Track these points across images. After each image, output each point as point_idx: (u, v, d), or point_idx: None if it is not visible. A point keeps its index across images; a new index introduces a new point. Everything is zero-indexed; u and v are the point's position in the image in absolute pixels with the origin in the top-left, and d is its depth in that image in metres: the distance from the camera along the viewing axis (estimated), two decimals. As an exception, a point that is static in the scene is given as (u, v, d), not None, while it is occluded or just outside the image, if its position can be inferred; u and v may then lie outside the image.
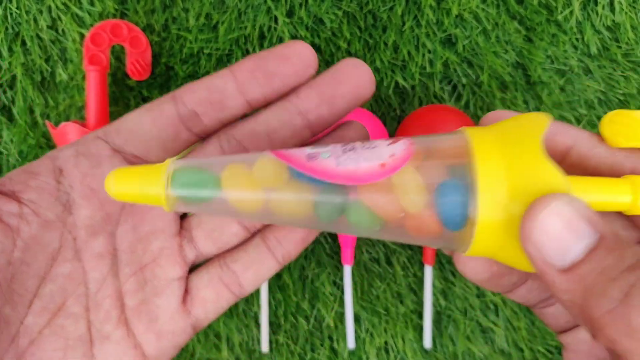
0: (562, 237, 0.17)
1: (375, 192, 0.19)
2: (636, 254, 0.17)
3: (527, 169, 0.18)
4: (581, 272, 0.17)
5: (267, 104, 0.25)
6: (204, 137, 0.25)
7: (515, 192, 0.18)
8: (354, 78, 0.23)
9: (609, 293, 0.16)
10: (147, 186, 0.20)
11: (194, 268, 0.26)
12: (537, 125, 0.19)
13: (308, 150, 0.21)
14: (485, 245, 0.19)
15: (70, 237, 0.24)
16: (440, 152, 0.20)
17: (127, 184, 0.20)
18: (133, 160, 0.24)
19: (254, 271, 0.25)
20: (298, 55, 0.23)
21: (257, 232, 0.26)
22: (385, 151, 0.20)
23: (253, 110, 0.25)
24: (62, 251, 0.23)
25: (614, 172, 0.21)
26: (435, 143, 0.21)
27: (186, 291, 0.25)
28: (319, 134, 0.25)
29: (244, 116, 0.25)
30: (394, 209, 0.19)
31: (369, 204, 0.20)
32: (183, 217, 0.26)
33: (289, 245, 0.26)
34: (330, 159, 0.20)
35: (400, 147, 0.20)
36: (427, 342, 0.44)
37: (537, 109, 0.43)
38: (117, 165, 0.24)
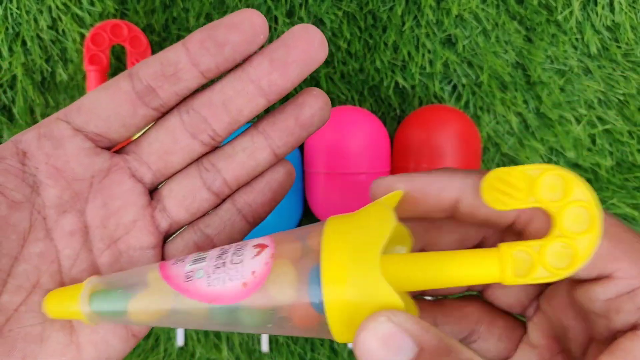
0: (380, 355, 0.18)
1: (252, 303, 0.21)
2: (457, 355, 0.17)
3: (362, 283, 0.19)
4: None
5: (222, 74, 0.25)
6: (164, 112, 0.25)
7: (352, 304, 0.19)
8: (304, 43, 0.23)
9: None
10: (69, 306, 0.23)
11: (169, 237, 0.26)
12: (383, 227, 0.20)
13: (187, 267, 0.23)
14: (343, 334, 0.20)
15: (40, 217, 0.24)
16: (306, 249, 0.21)
17: (56, 305, 0.23)
18: (95, 138, 0.25)
19: (227, 234, 0.26)
20: (248, 23, 0.23)
21: (227, 198, 0.26)
22: (248, 268, 0.22)
23: (210, 81, 0.25)
24: (33, 231, 0.24)
25: (502, 224, 0.22)
26: (299, 238, 0.22)
27: (162, 259, 0.26)
28: (274, 101, 0.25)
29: (203, 87, 0.25)
30: (276, 308, 0.21)
31: (254, 309, 0.22)
32: (154, 190, 0.26)
33: (258, 207, 0.26)
34: (203, 279, 0.22)
35: (261, 260, 0.22)
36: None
37: (537, 109, 0.43)
38: (79, 143, 0.24)
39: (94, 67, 0.41)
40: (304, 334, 0.22)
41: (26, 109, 0.44)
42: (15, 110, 0.44)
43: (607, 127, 0.44)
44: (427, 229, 0.24)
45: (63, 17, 0.43)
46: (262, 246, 0.22)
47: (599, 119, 0.44)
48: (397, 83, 0.43)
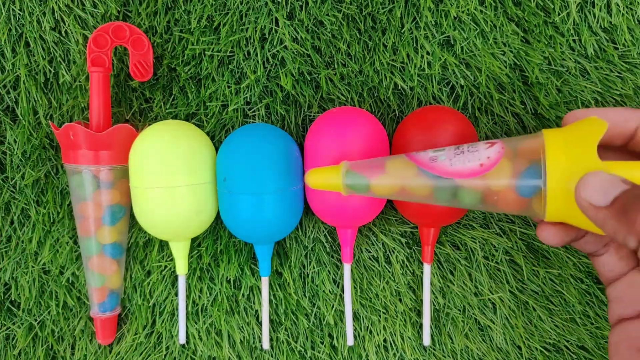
0: (603, 187, 0.26)
1: (478, 182, 0.30)
2: None
3: (582, 162, 0.27)
4: (619, 201, 0.25)
5: None
6: None
7: (573, 175, 0.27)
8: None
9: (639, 204, 0.24)
10: (332, 180, 0.35)
11: None
12: (596, 131, 0.27)
13: (430, 154, 0.33)
14: (556, 210, 0.29)
15: None
16: (524, 150, 0.30)
17: (319, 179, 0.35)
18: None
19: None
20: None
21: None
22: (484, 154, 0.30)
23: None
24: None
25: None
26: (521, 144, 0.30)
27: None
28: None
29: None
30: (489, 192, 0.30)
31: (473, 190, 0.31)
32: None
33: None
34: (445, 160, 0.31)
35: (495, 150, 0.30)
36: (426, 340, 0.44)
37: (535, 110, 0.44)
38: None
39: (97, 69, 0.41)
40: (512, 211, 0.31)
41: (29, 110, 0.44)
42: (18, 111, 0.44)
43: (603, 127, 0.44)
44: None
45: (66, 18, 0.43)
46: (493, 143, 0.31)
47: (596, 119, 0.45)
48: (396, 84, 0.44)
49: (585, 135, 0.28)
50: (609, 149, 0.32)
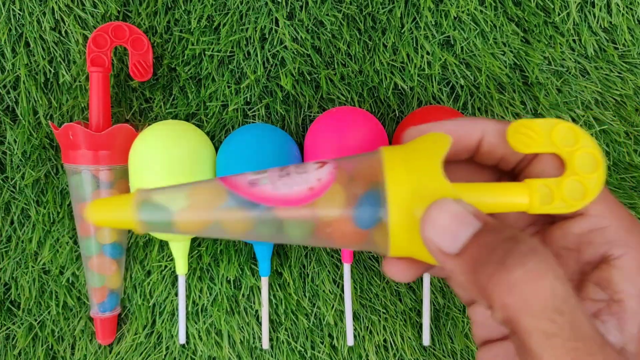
0: (451, 228, 0.21)
1: (306, 211, 0.24)
2: (513, 231, 0.20)
3: (427, 185, 0.23)
4: (469, 252, 0.21)
5: None
6: None
7: (417, 201, 0.23)
8: None
9: (490, 260, 0.20)
10: (120, 215, 0.25)
11: None
12: (439, 147, 0.24)
13: (250, 176, 0.25)
14: (400, 245, 0.24)
15: None
16: (360, 172, 0.25)
17: (104, 214, 0.25)
18: None
19: None
20: None
21: None
22: (313, 176, 0.25)
23: None
24: None
25: (511, 163, 0.26)
26: (357, 163, 0.25)
27: None
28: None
29: None
30: (321, 223, 0.24)
31: (303, 220, 0.24)
32: None
33: None
34: (268, 185, 0.25)
35: (326, 171, 0.25)
36: (426, 340, 0.44)
37: (535, 110, 0.44)
38: None
39: (96, 69, 0.41)
40: (351, 245, 0.25)
41: (29, 110, 0.44)
42: (18, 111, 0.44)
43: (604, 127, 0.44)
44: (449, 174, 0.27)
45: (66, 18, 0.43)
46: (323, 163, 0.25)
47: (596, 119, 0.45)
48: (396, 84, 0.44)
49: (429, 152, 0.24)
50: (457, 163, 0.28)
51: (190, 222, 0.25)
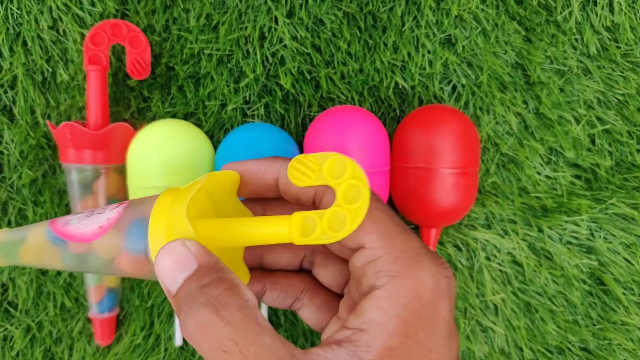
0: (171, 270, 0.23)
1: (90, 246, 0.28)
2: (211, 276, 0.23)
3: (175, 222, 0.24)
4: (179, 294, 0.23)
5: None
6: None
7: (169, 236, 0.24)
8: None
9: (182, 308, 0.22)
10: None
11: None
12: (195, 185, 0.25)
13: (69, 217, 0.29)
14: None
15: None
16: (142, 207, 0.27)
17: None
18: None
19: None
20: None
21: None
22: (106, 215, 0.28)
23: None
24: None
25: (307, 199, 0.27)
26: (144, 201, 0.27)
27: None
28: None
29: None
30: (107, 256, 0.27)
31: (95, 255, 0.28)
32: None
33: None
34: (74, 223, 0.29)
35: (117, 210, 0.28)
36: (427, 342, 0.44)
37: (536, 109, 0.43)
38: None
39: (94, 67, 0.41)
40: (142, 275, 0.28)
41: (27, 109, 0.44)
42: (16, 111, 0.44)
43: (606, 127, 0.44)
44: (264, 210, 0.29)
45: (64, 17, 0.43)
46: (122, 203, 0.29)
47: (599, 119, 0.44)
48: (396, 83, 0.43)
49: (188, 191, 0.25)
50: (279, 201, 0.29)
51: (30, 258, 0.30)
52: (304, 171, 0.25)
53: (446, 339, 0.24)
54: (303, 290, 0.30)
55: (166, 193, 0.26)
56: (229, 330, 0.21)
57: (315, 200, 0.27)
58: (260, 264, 0.31)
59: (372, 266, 0.24)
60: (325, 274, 0.30)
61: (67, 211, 0.45)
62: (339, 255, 0.28)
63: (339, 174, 0.25)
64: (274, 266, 0.31)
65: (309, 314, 0.30)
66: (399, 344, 0.22)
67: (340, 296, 0.30)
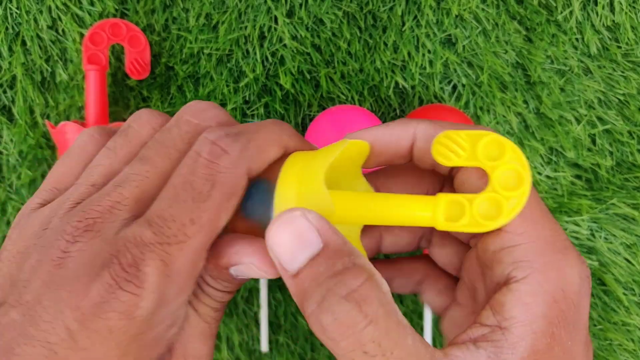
0: (291, 246, 0.20)
1: None
2: (345, 262, 0.19)
3: (309, 189, 0.22)
4: (302, 277, 0.20)
5: None
6: None
7: (301, 204, 0.21)
8: None
9: (313, 296, 0.19)
10: None
11: None
12: (331, 153, 0.22)
13: None
14: None
15: None
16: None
17: None
18: None
19: None
20: None
21: None
22: None
23: None
24: None
25: (444, 170, 0.24)
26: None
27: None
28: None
29: None
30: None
31: None
32: None
33: None
34: None
35: None
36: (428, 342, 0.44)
37: (537, 109, 0.43)
38: None
39: (93, 67, 0.41)
40: None
41: (26, 109, 0.44)
42: (15, 110, 0.44)
43: (607, 127, 0.44)
44: (386, 180, 0.26)
45: (63, 17, 0.43)
46: None
47: (599, 119, 0.44)
48: (397, 83, 0.43)
49: (324, 154, 0.23)
50: (406, 168, 0.26)
51: None
52: (453, 149, 0.22)
53: (585, 345, 0.21)
54: (424, 275, 0.28)
55: (295, 155, 0.24)
56: (372, 329, 0.18)
57: (450, 174, 0.24)
58: (379, 246, 0.28)
59: (509, 253, 0.21)
60: (442, 254, 0.27)
61: (66, 211, 0.44)
62: (457, 236, 0.25)
63: (496, 156, 0.22)
64: (394, 248, 0.28)
65: (429, 298, 0.28)
66: (545, 347, 0.20)
67: (456, 279, 0.27)
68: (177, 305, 0.21)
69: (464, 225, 0.22)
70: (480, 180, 0.23)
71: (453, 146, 0.22)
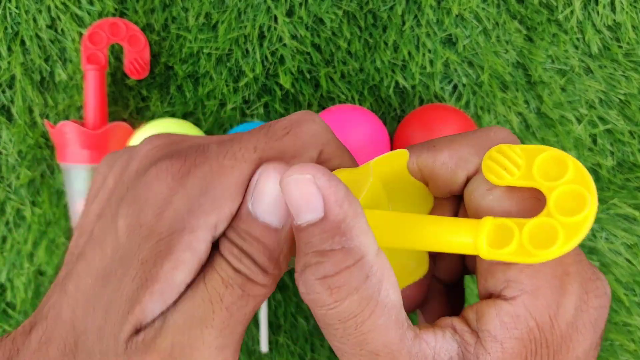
0: (298, 204, 0.19)
1: None
2: (336, 243, 0.19)
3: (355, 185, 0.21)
4: (301, 234, 0.19)
5: None
6: None
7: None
8: None
9: (299, 261, 0.19)
10: None
11: None
12: (366, 177, 0.21)
13: None
14: None
15: None
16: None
17: None
18: None
19: None
20: None
21: None
22: None
23: None
24: None
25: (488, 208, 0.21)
26: None
27: None
28: None
29: None
30: None
31: None
32: None
33: None
34: None
35: None
36: (427, 343, 0.44)
37: (538, 109, 0.43)
38: None
39: (92, 66, 0.40)
40: None
41: (25, 109, 0.44)
42: (14, 110, 0.44)
43: (608, 127, 0.44)
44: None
45: (62, 16, 0.43)
46: None
47: (600, 118, 0.44)
48: (397, 83, 0.43)
49: (363, 178, 0.21)
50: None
51: None
52: (505, 165, 0.20)
53: None
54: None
55: (338, 173, 0.22)
56: (339, 312, 0.19)
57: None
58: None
59: (503, 271, 0.20)
60: (442, 268, 0.27)
61: (66, 211, 0.44)
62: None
63: (556, 175, 0.19)
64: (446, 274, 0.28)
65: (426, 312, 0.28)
66: None
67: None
68: None
69: (510, 254, 0.19)
70: (489, 192, 0.21)
71: (506, 163, 0.20)
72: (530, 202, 0.20)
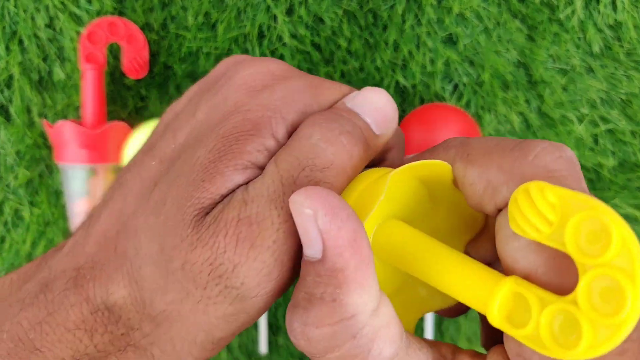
0: (301, 232, 0.17)
1: None
2: (327, 292, 0.16)
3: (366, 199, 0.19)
4: (302, 265, 0.17)
5: None
6: None
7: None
8: None
9: (294, 292, 0.17)
10: None
11: None
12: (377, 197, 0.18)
13: None
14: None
15: None
16: None
17: None
18: None
19: None
20: None
21: None
22: None
23: None
24: None
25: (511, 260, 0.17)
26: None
27: None
28: None
29: None
30: None
31: None
32: None
33: None
34: None
35: None
36: (428, 344, 0.43)
37: (539, 109, 0.43)
38: None
39: (91, 66, 0.40)
40: None
41: (23, 109, 0.44)
42: (12, 110, 0.44)
43: (609, 126, 0.44)
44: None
45: (60, 15, 0.43)
46: None
47: (602, 118, 0.44)
48: (397, 82, 0.43)
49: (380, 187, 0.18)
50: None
51: None
52: (531, 220, 0.15)
53: None
54: None
55: (366, 175, 0.19)
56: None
57: None
58: None
59: (519, 355, 0.17)
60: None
61: (64, 211, 0.44)
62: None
63: (593, 248, 0.14)
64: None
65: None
66: None
67: None
68: None
69: (524, 337, 0.15)
70: (515, 237, 0.17)
71: (533, 216, 0.15)
72: (563, 263, 0.16)
